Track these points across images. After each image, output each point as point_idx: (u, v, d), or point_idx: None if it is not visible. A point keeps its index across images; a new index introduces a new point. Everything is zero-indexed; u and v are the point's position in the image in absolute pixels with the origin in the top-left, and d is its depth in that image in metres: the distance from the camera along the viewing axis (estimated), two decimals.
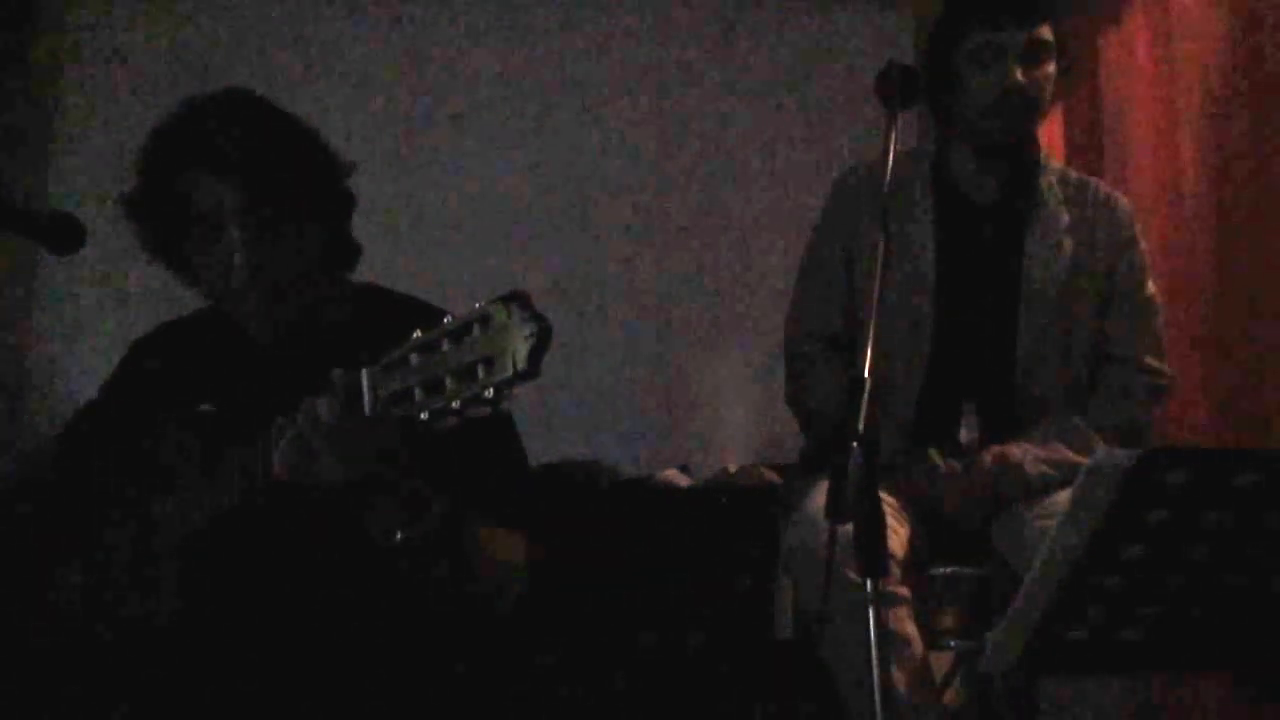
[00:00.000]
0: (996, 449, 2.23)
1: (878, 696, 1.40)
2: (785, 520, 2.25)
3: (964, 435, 2.29)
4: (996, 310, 2.30)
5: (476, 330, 1.21)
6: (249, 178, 1.63)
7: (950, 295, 2.29)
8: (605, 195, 4.10)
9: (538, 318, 1.19)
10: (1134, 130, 2.87)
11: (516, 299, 1.20)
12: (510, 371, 1.18)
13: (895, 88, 2.06)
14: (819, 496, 2.07)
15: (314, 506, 1.48)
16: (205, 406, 1.64)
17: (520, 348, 1.18)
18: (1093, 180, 2.43)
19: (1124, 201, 2.40)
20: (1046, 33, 2.26)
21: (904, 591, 2.08)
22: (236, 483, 1.50)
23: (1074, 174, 2.43)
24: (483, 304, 1.22)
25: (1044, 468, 2.20)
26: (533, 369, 1.18)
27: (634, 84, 4.14)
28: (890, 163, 1.81)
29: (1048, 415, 2.27)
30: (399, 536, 1.45)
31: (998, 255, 2.32)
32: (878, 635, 1.41)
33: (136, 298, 3.79)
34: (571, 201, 4.09)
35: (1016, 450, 2.22)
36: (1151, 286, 2.35)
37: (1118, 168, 2.95)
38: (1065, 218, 2.33)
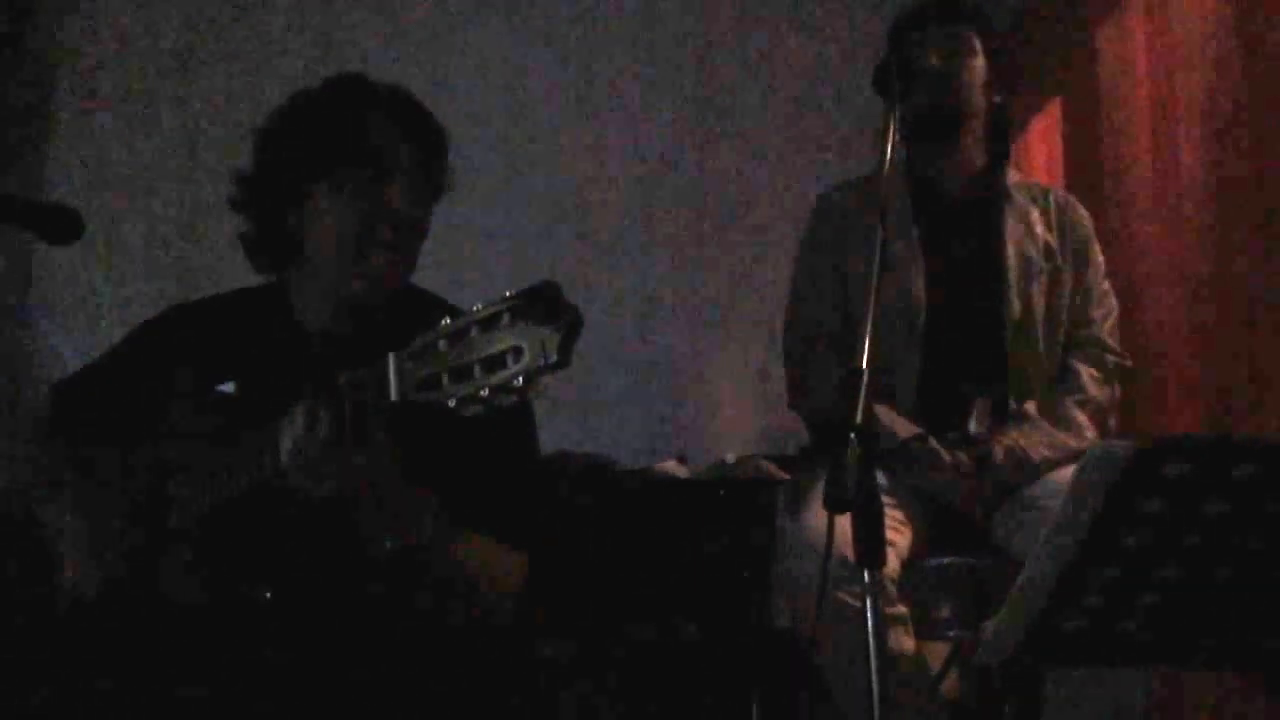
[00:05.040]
0: (1007, 442, 2.27)
1: (875, 693, 1.40)
2: (783, 519, 2.25)
3: (974, 426, 2.33)
4: (983, 294, 2.41)
5: (506, 319, 1.21)
6: (430, 153, 1.71)
7: (938, 283, 2.39)
8: (603, 189, 4.11)
9: (568, 308, 1.20)
10: (1132, 129, 2.87)
11: (547, 289, 1.21)
12: (540, 360, 1.19)
13: (894, 81, 2.09)
14: (809, 517, 2.11)
15: (308, 508, 1.47)
16: (228, 387, 1.64)
17: (550, 337, 1.18)
18: (1049, 185, 2.65)
19: (1080, 205, 2.58)
20: (966, 31, 2.45)
21: (901, 610, 2.10)
22: (246, 471, 1.50)
23: (1032, 180, 2.63)
24: (513, 293, 1.22)
25: (1046, 453, 2.28)
26: (563, 359, 1.19)
27: (633, 82, 4.15)
28: (889, 154, 1.85)
29: (1033, 396, 2.37)
30: (388, 545, 1.46)
31: (977, 241, 2.45)
32: (875, 629, 1.41)
33: (136, 291, 3.80)
34: (570, 195, 4.09)
35: (1022, 440, 2.28)
36: (1107, 284, 2.52)
37: (1116, 166, 2.96)
38: (1034, 209, 2.48)
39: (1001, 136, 2.53)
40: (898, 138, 1.89)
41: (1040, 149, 3.46)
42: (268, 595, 1.57)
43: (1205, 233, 2.55)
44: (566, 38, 4.16)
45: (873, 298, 1.65)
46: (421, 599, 1.58)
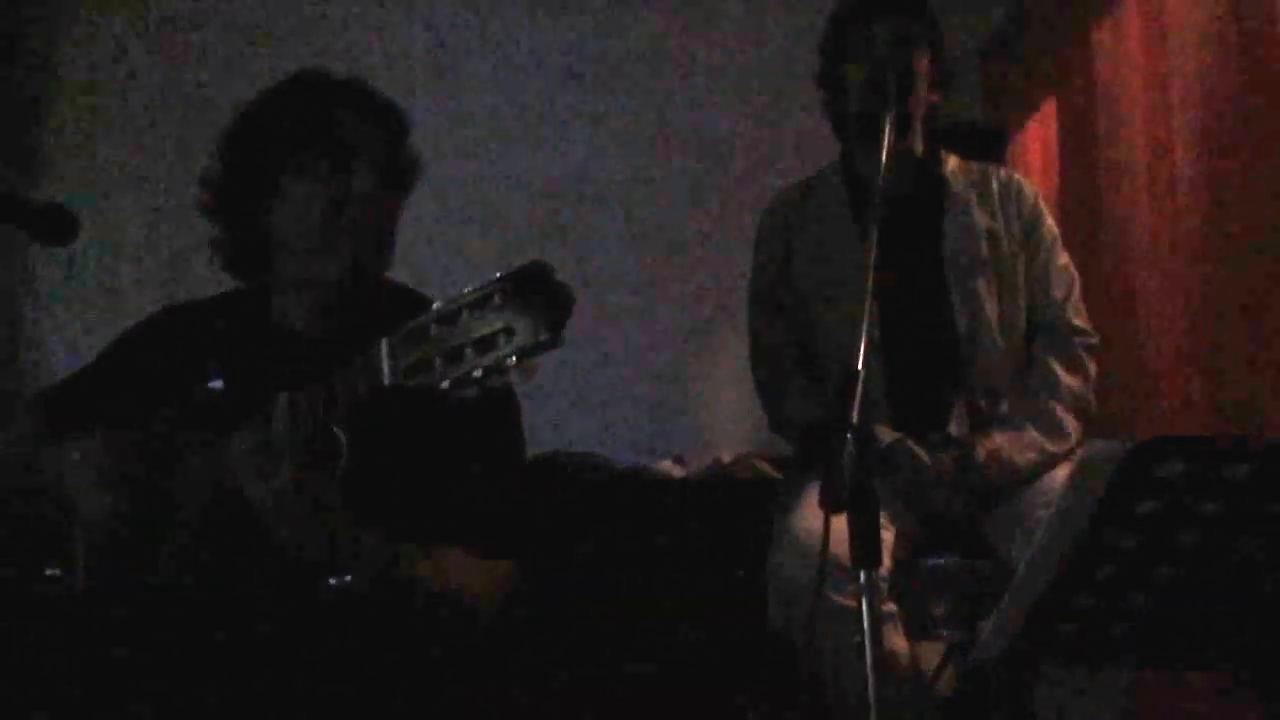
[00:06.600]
0: (990, 445, 2.24)
1: (872, 690, 1.40)
2: (777, 519, 2.24)
3: (955, 428, 2.31)
4: (927, 305, 2.37)
5: (497, 300, 1.21)
6: (392, 137, 1.74)
7: (885, 290, 2.29)
8: (600, 188, 4.11)
9: (559, 287, 1.20)
10: (1127, 122, 2.87)
11: (537, 269, 1.21)
12: (532, 340, 1.19)
13: (890, 80, 2.09)
14: (802, 518, 2.10)
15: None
16: (216, 384, 1.64)
17: (542, 317, 1.18)
18: (991, 165, 2.53)
19: (1025, 181, 2.52)
20: (917, 25, 2.39)
21: (890, 607, 2.09)
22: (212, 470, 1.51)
23: (973, 163, 2.51)
24: (503, 274, 1.22)
25: (1031, 455, 2.24)
26: (555, 337, 1.19)
27: (628, 80, 4.15)
28: (884, 157, 1.85)
29: (1001, 393, 2.33)
30: (331, 583, 1.46)
31: (917, 240, 2.39)
32: (870, 629, 1.41)
33: (133, 291, 3.80)
34: (566, 194, 4.09)
35: (1004, 442, 2.25)
36: (1064, 256, 2.45)
37: (1111, 160, 2.96)
38: (973, 197, 2.42)
39: (936, 132, 2.48)
40: (895, 136, 1.88)
41: (1036, 147, 3.46)
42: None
43: (1201, 230, 2.55)
44: (569, 30, 4.16)
45: (868, 298, 1.66)
46: (392, 615, 1.56)
